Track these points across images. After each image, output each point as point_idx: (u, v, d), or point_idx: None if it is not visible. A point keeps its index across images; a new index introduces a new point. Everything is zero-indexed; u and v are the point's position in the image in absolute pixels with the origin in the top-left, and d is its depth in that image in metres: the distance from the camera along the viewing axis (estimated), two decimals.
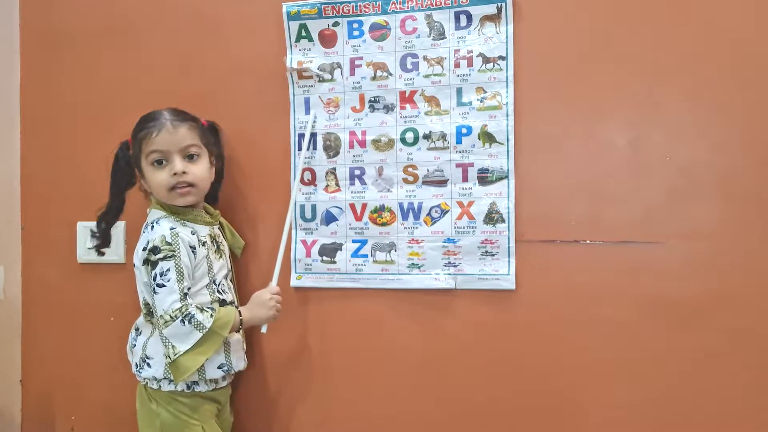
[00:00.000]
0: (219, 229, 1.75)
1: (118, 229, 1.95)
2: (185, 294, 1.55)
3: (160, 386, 1.61)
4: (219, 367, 1.63)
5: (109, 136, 1.94)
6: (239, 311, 1.63)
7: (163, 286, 1.53)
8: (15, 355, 2.09)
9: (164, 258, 1.54)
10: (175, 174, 1.60)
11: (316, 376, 1.83)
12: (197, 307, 1.55)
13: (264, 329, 1.68)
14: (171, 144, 1.60)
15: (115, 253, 1.96)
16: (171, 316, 1.52)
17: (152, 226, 1.59)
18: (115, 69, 1.99)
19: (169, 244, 1.55)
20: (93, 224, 1.95)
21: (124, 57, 1.98)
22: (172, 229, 1.58)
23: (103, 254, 1.77)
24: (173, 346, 1.53)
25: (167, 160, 1.61)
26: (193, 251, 1.59)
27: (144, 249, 1.57)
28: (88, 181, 1.99)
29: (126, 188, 1.73)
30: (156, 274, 1.53)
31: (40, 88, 2.06)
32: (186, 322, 1.52)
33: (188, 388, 1.61)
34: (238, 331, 1.65)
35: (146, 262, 1.56)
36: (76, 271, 2.04)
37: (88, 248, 1.98)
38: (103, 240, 1.74)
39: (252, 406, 1.87)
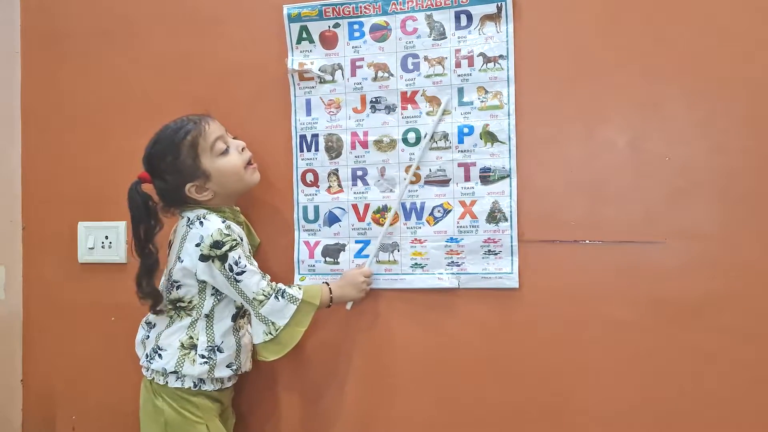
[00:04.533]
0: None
1: (119, 229, 1.96)
2: (262, 273, 1.61)
3: (167, 382, 1.61)
4: (228, 366, 1.64)
5: (110, 136, 1.97)
6: (330, 288, 1.67)
7: (243, 272, 1.56)
8: (16, 355, 2.09)
9: (231, 249, 1.56)
10: (243, 150, 1.67)
11: (319, 377, 1.83)
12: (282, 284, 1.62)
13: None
14: (221, 129, 1.64)
15: (115, 253, 1.97)
16: (264, 295, 1.57)
17: (201, 222, 1.59)
18: (116, 69, 1.99)
19: (228, 234, 1.57)
20: (93, 224, 1.98)
21: (125, 58, 1.98)
22: (223, 222, 1.60)
23: (161, 312, 1.66)
24: (272, 323, 1.58)
25: (227, 144, 1.64)
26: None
27: (198, 245, 1.56)
28: (88, 181, 2.00)
29: (156, 229, 1.64)
30: (230, 266, 1.55)
31: (40, 88, 2.07)
32: (280, 297, 1.58)
33: (195, 386, 1.61)
34: (328, 306, 1.67)
35: (208, 258, 1.56)
36: (77, 271, 2.03)
37: (89, 248, 1.99)
38: (154, 299, 1.63)
39: (254, 407, 1.86)
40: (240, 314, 1.67)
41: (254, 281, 1.57)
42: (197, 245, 1.57)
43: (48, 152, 2.06)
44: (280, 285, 1.60)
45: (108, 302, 1.99)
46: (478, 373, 1.71)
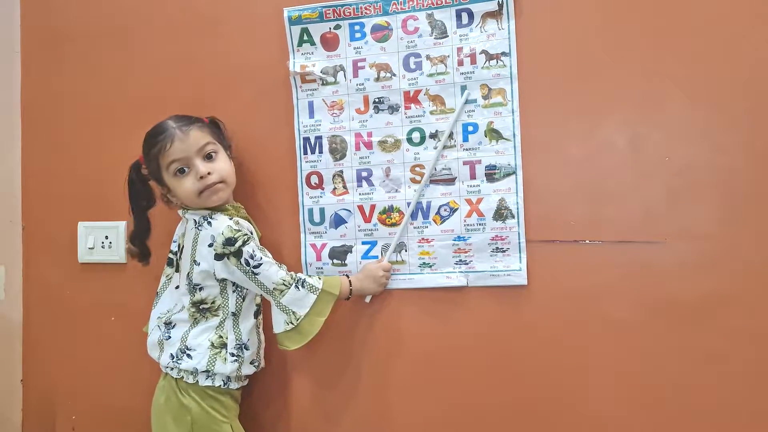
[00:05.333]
0: None
1: (119, 229, 1.96)
2: (278, 263, 1.63)
3: (197, 380, 1.61)
4: (251, 363, 1.67)
5: (110, 136, 1.97)
6: (350, 281, 1.69)
7: (260, 264, 1.58)
8: (16, 355, 2.09)
9: (244, 243, 1.58)
10: (201, 178, 1.61)
11: (325, 378, 1.83)
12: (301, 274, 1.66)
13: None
14: (187, 150, 1.61)
15: (115, 253, 1.97)
16: (285, 285, 1.59)
17: (209, 222, 1.61)
18: (117, 69, 1.98)
19: (238, 230, 1.59)
20: (93, 224, 1.98)
21: (125, 58, 1.98)
22: (230, 218, 1.62)
23: (148, 264, 1.77)
24: (293, 312, 1.60)
25: (189, 167, 1.62)
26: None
27: (211, 245, 1.58)
28: (88, 181, 2.00)
29: (148, 207, 1.75)
30: (246, 260, 1.57)
31: (40, 88, 2.06)
32: (300, 287, 1.60)
33: (224, 384, 1.62)
34: (347, 299, 1.70)
35: (223, 256, 1.58)
36: (77, 271, 2.03)
37: (89, 248, 1.99)
38: (141, 255, 1.76)
39: (266, 406, 1.86)
40: (259, 311, 1.70)
41: (273, 272, 1.59)
42: (210, 245, 1.58)
43: (48, 152, 2.05)
44: (300, 275, 1.63)
45: (108, 302, 1.99)
46: (487, 372, 1.71)
